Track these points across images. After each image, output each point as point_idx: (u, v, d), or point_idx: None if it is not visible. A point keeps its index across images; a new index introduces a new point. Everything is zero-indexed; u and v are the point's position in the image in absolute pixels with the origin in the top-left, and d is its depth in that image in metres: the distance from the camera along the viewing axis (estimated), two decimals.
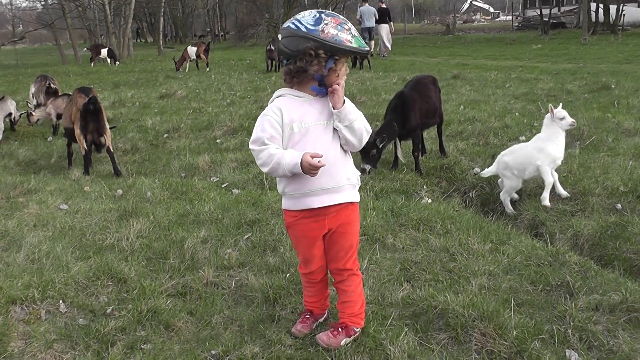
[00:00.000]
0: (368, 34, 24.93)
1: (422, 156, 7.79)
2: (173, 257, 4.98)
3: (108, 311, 4.13)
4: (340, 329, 3.48)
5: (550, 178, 6.03)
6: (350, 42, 3.05)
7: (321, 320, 3.79)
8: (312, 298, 3.69)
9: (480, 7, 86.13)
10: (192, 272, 4.68)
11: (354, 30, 3.10)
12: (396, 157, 7.58)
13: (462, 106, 11.62)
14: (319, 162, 3.04)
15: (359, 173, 3.48)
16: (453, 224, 5.32)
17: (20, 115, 12.03)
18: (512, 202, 6.44)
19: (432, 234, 5.11)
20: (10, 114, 11.59)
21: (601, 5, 33.79)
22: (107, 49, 30.91)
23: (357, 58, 20.56)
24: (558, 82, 14.26)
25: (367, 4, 25.56)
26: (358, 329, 3.54)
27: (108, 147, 8.46)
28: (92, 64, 29.71)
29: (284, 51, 3.14)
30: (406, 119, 7.06)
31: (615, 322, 3.71)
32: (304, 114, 3.17)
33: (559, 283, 4.22)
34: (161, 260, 4.95)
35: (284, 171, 3.09)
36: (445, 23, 47.12)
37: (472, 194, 6.89)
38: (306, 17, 3.05)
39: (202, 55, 23.64)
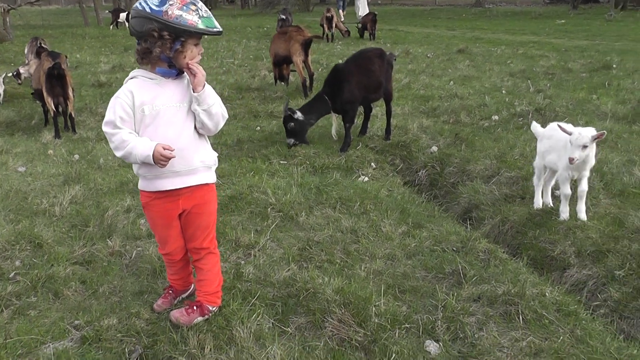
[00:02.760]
0: (342, 2, 26.42)
1: (363, 135, 7.69)
2: (93, 225, 5.01)
3: (11, 275, 4.17)
4: (194, 307, 3.46)
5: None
6: (196, 24, 2.94)
7: (184, 295, 3.78)
8: (174, 276, 3.68)
9: None
10: (104, 241, 4.70)
11: (203, 11, 2.98)
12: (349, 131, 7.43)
13: (452, 82, 11.37)
14: (170, 153, 3.01)
15: (216, 154, 3.42)
16: (374, 204, 5.20)
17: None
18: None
19: (347, 214, 5.01)
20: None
21: None
22: (126, 13, 30.88)
23: (365, 28, 20.33)
24: (562, 59, 13.84)
25: None
26: (214, 308, 3.52)
27: (70, 112, 8.67)
28: (112, 27, 29.79)
29: (132, 32, 3.07)
30: (340, 92, 6.89)
31: (490, 315, 3.59)
32: (155, 96, 3.10)
33: (451, 271, 4.10)
34: (82, 228, 4.99)
35: (135, 160, 3.07)
36: None
37: (422, 173, 6.74)
38: None
39: None
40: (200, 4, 3.01)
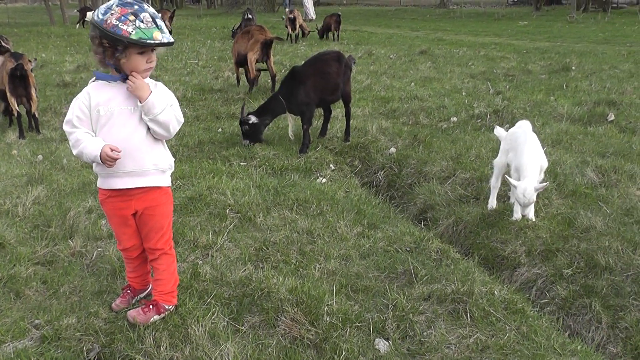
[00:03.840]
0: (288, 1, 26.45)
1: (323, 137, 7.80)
2: (55, 226, 5.03)
3: None
4: (151, 307, 3.55)
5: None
6: (130, 34, 3.02)
7: (142, 295, 3.84)
8: (132, 274, 3.76)
9: None
10: (66, 241, 4.73)
11: (144, 22, 3.05)
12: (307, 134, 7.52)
13: (412, 83, 11.54)
14: (116, 154, 3.15)
15: (173, 159, 3.53)
16: (331, 205, 5.30)
17: None
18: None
19: (304, 215, 5.11)
20: None
21: None
22: (93, 11, 30.65)
23: (328, 29, 20.55)
24: (522, 61, 14.14)
25: None
26: (170, 307, 3.60)
27: (33, 113, 8.69)
28: (78, 26, 29.51)
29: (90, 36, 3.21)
30: (296, 94, 7.01)
31: (439, 313, 3.71)
32: (110, 98, 3.23)
33: (403, 270, 4.22)
34: (44, 228, 5.01)
35: (87, 159, 3.21)
36: None
37: (380, 174, 6.87)
38: (102, 7, 3.09)
39: (167, 23, 24.10)
40: (143, 15, 3.06)
